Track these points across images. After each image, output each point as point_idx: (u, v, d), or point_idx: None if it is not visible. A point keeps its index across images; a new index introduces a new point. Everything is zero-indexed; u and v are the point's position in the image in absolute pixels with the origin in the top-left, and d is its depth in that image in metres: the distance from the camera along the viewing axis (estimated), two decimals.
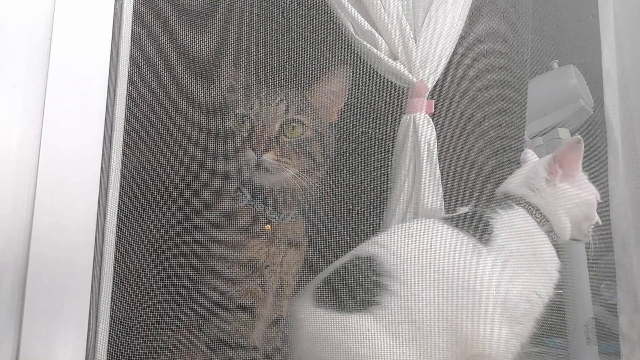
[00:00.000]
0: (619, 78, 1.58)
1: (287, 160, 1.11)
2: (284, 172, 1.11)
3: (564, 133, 1.95)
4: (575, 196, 1.32)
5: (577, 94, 1.98)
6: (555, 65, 2.09)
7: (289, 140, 1.14)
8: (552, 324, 1.75)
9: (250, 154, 1.10)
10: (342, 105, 1.26)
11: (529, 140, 1.98)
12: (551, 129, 1.97)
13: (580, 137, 1.34)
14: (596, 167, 1.56)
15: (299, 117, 1.15)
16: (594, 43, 1.70)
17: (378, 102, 1.52)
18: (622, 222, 1.54)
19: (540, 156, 1.96)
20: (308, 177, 1.14)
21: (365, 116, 1.53)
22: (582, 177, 1.36)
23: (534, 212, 1.30)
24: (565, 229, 1.31)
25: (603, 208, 1.42)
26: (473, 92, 1.69)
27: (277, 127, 1.14)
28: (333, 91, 1.24)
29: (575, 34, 2.09)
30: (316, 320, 1.18)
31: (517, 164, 1.65)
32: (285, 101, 1.16)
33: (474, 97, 1.69)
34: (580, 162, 1.35)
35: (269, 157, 1.10)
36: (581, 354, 1.73)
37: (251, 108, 1.15)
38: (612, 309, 1.69)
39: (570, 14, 2.12)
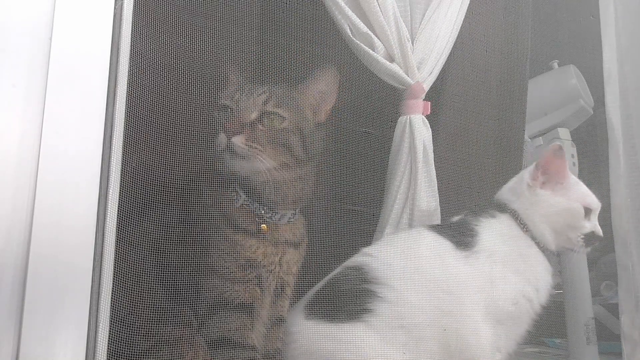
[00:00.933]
0: (619, 78, 1.59)
1: (259, 147, 1.11)
2: (256, 161, 1.11)
3: (564, 133, 1.94)
4: (555, 204, 1.28)
5: (577, 94, 1.98)
6: (555, 65, 2.09)
7: (264, 129, 1.14)
8: (552, 324, 1.76)
9: (222, 137, 1.11)
10: (330, 106, 1.26)
11: (529, 140, 1.98)
12: (551, 129, 1.97)
13: (560, 144, 1.33)
14: (596, 167, 1.56)
15: (277, 111, 1.16)
16: (594, 43, 1.70)
17: (379, 101, 1.52)
18: (623, 222, 1.54)
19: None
20: (288, 172, 1.15)
21: (366, 116, 1.53)
22: (572, 185, 1.31)
23: (517, 218, 1.29)
24: (545, 236, 1.27)
25: (604, 208, 1.41)
26: (473, 92, 1.68)
27: (253, 115, 1.14)
28: (320, 91, 1.25)
29: (575, 33, 2.09)
30: (309, 333, 1.18)
31: (517, 164, 1.65)
32: (266, 94, 1.17)
33: (474, 97, 1.69)
34: (566, 169, 1.31)
35: (238, 140, 1.10)
36: (581, 354, 1.73)
37: (232, 97, 1.17)
38: (613, 309, 1.69)
39: (570, 13, 2.11)
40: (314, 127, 1.23)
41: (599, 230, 1.30)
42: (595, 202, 1.31)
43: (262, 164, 1.12)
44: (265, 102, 1.16)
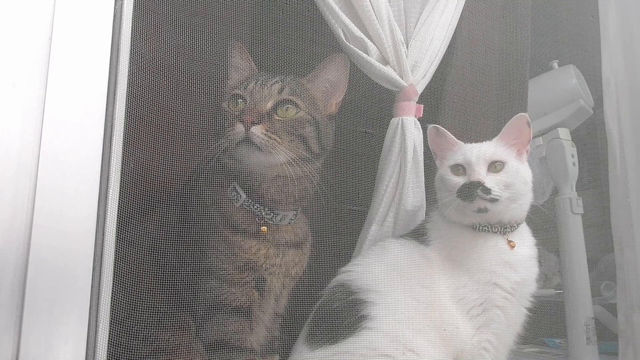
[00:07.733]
0: (617, 86, 1.61)
1: (277, 139, 1.09)
2: (274, 152, 1.09)
3: (564, 133, 1.95)
4: (438, 176, 1.28)
5: (577, 94, 1.98)
6: (555, 65, 2.09)
7: (281, 119, 1.12)
8: (552, 324, 1.76)
9: (239, 127, 1.08)
10: (341, 97, 1.24)
11: None
12: (551, 129, 1.97)
13: (435, 125, 1.30)
14: (596, 167, 1.56)
15: (292, 99, 1.14)
16: (593, 43, 1.70)
17: (378, 102, 1.52)
18: (620, 224, 1.56)
19: (539, 156, 1.97)
20: (303, 166, 1.12)
21: (367, 115, 1.53)
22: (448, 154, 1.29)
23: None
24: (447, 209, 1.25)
25: (603, 209, 1.42)
26: (473, 93, 1.68)
27: (269, 105, 1.12)
28: (330, 80, 1.23)
29: (575, 34, 2.09)
30: None
31: None
32: (280, 83, 1.15)
33: (474, 97, 1.69)
34: (440, 148, 1.31)
35: (257, 130, 1.07)
36: (581, 354, 1.73)
37: (245, 88, 1.14)
38: (613, 309, 1.70)
39: (570, 14, 2.12)
40: (326, 119, 1.21)
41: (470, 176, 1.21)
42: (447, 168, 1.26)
43: (279, 156, 1.09)
44: (280, 91, 1.13)
